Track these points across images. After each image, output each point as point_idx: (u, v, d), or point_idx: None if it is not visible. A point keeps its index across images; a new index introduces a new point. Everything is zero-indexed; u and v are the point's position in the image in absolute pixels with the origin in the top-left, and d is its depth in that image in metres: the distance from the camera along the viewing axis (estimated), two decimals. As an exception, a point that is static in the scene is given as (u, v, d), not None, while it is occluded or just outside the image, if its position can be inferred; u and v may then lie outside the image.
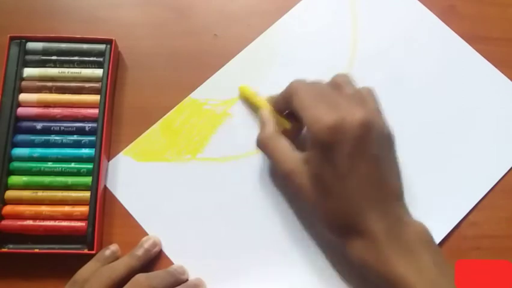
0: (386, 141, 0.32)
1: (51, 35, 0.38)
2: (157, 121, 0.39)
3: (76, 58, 0.38)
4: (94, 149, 0.36)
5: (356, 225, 0.30)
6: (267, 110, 0.36)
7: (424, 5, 0.42)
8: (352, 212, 0.30)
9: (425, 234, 0.31)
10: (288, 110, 0.36)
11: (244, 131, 0.39)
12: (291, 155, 0.33)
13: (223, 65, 0.40)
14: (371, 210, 0.30)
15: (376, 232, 0.29)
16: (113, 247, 0.35)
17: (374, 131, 0.30)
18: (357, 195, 0.30)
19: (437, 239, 0.36)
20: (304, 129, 0.37)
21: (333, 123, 0.29)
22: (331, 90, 0.33)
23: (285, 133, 0.35)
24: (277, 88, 0.39)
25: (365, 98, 0.32)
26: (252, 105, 0.39)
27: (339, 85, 0.33)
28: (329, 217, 0.31)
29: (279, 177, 0.37)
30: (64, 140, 0.37)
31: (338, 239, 0.32)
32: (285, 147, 0.34)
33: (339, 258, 0.35)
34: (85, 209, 0.35)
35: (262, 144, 0.35)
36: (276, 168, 0.34)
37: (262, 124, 0.36)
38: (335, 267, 0.35)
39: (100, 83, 0.37)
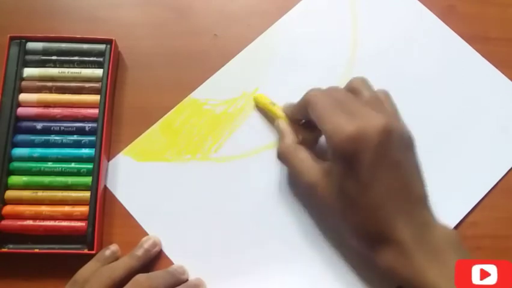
0: (407, 145, 0.31)
1: (51, 35, 0.38)
2: (157, 121, 0.39)
3: (76, 58, 0.38)
4: (94, 149, 0.36)
5: (383, 234, 0.30)
6: (284, 121, 0.36)
7: (424, 5, 0.42)
8: (379, 222, 0.30)
9: (452, 237, 0.30)
10: (305, 119, 0.35)
11: (244, 131, 0.39)
12: (313, 166, 0.33)
13: (223, 65, 0.40)
14: (397, 217, 0.29)
15: (404, 239, 0.29)
16: (113, 247, 0.35)
17: (394, 137, 0.30)
18: (383, 204, 0.29)
19: (437, 239, 0.36)
20: (323, 138, 0.36)
21: (352, 133, 0.29)
22: (348, 96, 0.32)
23: (304, 142, 0.35)
24: (277, 88, 0.40)
25: (383, 102, 0.32)
26: (268, 115, 0.38)
27: (355, 90, 0.33)
28: (356, 228, 0.31)
29: (302, 188, 0.36)
30: (63, 140, 0.37)
31: (365, 249, 0.31)
32: (306, 159, 0.33)
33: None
34: (85, 209, 0.35)
35: (283, 156, 0.35)
36: (299, 180, 0.34)
37: (281, 135, 0.35)
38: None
39: (100, 83, 0.37)
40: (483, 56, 0.41)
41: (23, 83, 0.37)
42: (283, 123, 0.36)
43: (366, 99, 0.32)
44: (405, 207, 0.30)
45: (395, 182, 0.30)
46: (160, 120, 0.39)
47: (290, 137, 0.35)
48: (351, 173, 0.30)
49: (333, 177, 0.31)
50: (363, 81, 0.33)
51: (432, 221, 0.31)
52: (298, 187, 0.37)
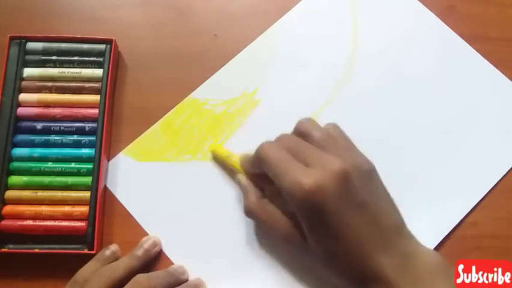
0: (368, 179, 0.30)
1: (51, 35, 0.38)
2: (157, 121, 0.39)
3: (76, 58, 0.38)
4: (94, 149, 0.36)
5: (368, 273, 0.29)
6: (243, 176, 0.35)
7: (424, 5, 0.42)
8: (360, 263, 0.29)
9: (436, 263, 0.30)
10: (263, 172, 0.33)
11: (244, 131, 0.39)
12: (283, 219, 0.32)
13: (223, 65, 0.40)
14: (377, 254, 0.29)
15: (389, 275, 0.28)
16: (113, 247, 0.35)
17: (354, 177, 0.29)
18: (360, 246, 0.29)
19: (437, 239, 0.36)
20: None
21: (311, 187, 0.28)
22: (299, 142, 0.31)
23: (269, 195, 0.34)
24: (277, 88, 0.40)
25: (335, 138, 0.32)
26: (226, 166, 0.37)
27: (305, 133, 0.32)
28: (339, 273, 0.30)
29: (278, 241, 0.35)
30: (63, 140, 0.37)
31: None
32: (274, 213, 0.33)
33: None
34: (85, 209, 0.35)
35: (252, 214, 0.34)
36: (273, 234, 0.33)
37: (245, 192, 0.35)
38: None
39: (100, 83, 0.37)
40: (483, 56, 0.41)
41: (23, 83, 0.37)
42: (244, 179, 0.35)
43: (317, 140, 0.31)
44: (384, 242, 0.29)
45: (365, 222, 0.29)
46: (160, 120, 0.39)
47: (253, 193, 0.34)
48: (319, 225, 0.29)
49: (304, 229, 0.30)
50: (310, 122, 0.33)
51: (413, 249, 0.30)
52: (270, 237, 0.36)
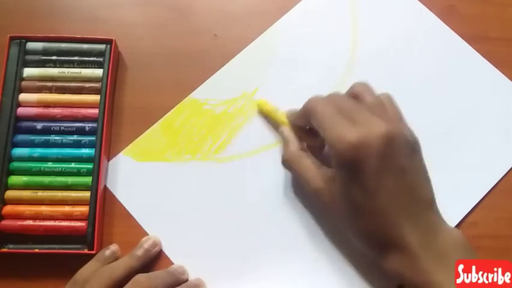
0: (411, 149, 0.31)
1: (51, 35, 0.38)
2: (157, 121, 0.39)
3: (76, 58, 0.38)
4: (94, 149, 0.36)
5: (390, 239, 0.30)
6: (287, 127, 0.36)
7: (424, 5, 0.42)
8: (385, 228, 0.30)
9: (459, 240, 0.30)
10: (308, 126, 0.35)
11: (245, 131, 0.39)
12: (318, 173, 0.33)
13: (223, 65, 0.40)
14: (404, 223, 0.29)
15: (411, 244, 0.29)
16: (113, 247, 0.35)
17: (397, 142, 0.30)
18: (389, 210, 0.29)
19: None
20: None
21: (355, 141, 0.29)
22: (349, 102, 0.32)
23: (309, 149, 0.35)
24: (277, 88, 0.40)
25: (386, 107, 0.32)
26: (271, 120, 0.38)
27: (358, 95, 0.33)
28: (362, 233, 0.31)
29: (307, 194, 0.35)
30: (64, 140, 0.37)
31: (372, 253, 0.31)
32: (311, 165, 0.33)
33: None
34: (85, 209, 0.35)
35: (288, 164, 0.35)
36: (304, 186, 0.34)
37: (285, 142, 0.35)
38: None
39: (100, 83, 0.37)
40: (483, 56, 0.41)
41: (23, 83, 0.37)
42: (287, 130, 0.36)
43: (368, 104, 0.32)
44: (412, 212, 0.30)
45: (400, 187, 0.30)
46: (160, 120, 0.39)
47: (294, 143, 0.35)
48: (356, 181, 0.30)
49: (338, 185, 0.31)
50: (365, 86, 0.33)
51: (439, 225, 0.31)
52: (302, 190, 0.37)
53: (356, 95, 0.33)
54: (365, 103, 0.32)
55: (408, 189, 0.30)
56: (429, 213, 0.31)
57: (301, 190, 0.37)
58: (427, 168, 0.32)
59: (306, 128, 0.36)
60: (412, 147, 0.31)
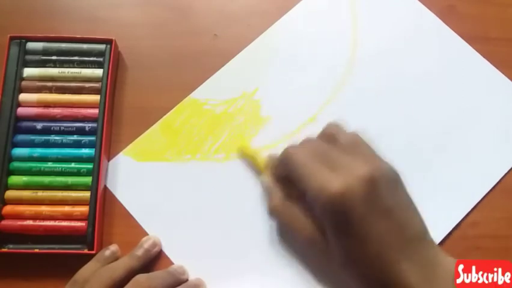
0: (394, 186, 0.30)
1: (51, 35, 0.38)
2: (157, 121, 0.39)
3: (76, 58, 0.38)
4: (94, 149, 0.36)
5: (390, 280, 0.29)
6: (268, 177, 0.35)
7: (424, 5, 0.42)
8: (383, 270, 0.29)
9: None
10: (287, 175, 0.34)
11: (246, 131, 0.39)
12: (306, 223, 0.32)
13: (223, 65, 0.40)
14: (400, 261, 0.29)
15: (412, 282, 0.28)
16: (113, 247, 0.35)
17: (380, 182, 0.29)
18: (383, 252, 0.29)
19: (438, 239, 0.36)
20: None
21: (338, 191, 0.28)
22: (325, 146, 0.32)
23: (293, 197, 0.34)
24: (277, 88, 0.40)
25: (360, 145, 0.32)
26: (252, 166, 0.38)
27: (332, 137, 0.32)
28: (361, 279, 0.30)
29: (298, 243, 0.35)
30: (64, 140, 0.37)
31: None
32: (297, 215, 0.32)
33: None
34: (85, 209, 0.35)
35: (274, 215, 0.34)
36: (294, 236, 0.33)
37: (269, 193, 0.35)
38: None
39: (100, 83, 0.37)
40: (483, 56, 0.41)
41: (23, 83, 0.37)
42: (268, 180, 0.35)
43: (343, 145, 0.31)
44: (406, 249, 0.29)
45: (390, 228, 0.29)
46: (160, 120, 0.39)
47: (277, 194, 0.34)
48: (344, 230, 0.29)
49: (329, 232, 0.30)
50: (338, 127, 0.33)
51: (436, 257, 0.30)
52: (291, 240, 0.36)
53: (329, 137, 0.32)
54: (339, 144, 0.31)
55: (399, 228, 0.29)
56: (425, 246, 0.30)
57: (291, 241, 0.36)
58: (412, 199, 0.31)
59: (286, 176, 0.34)
60: (395, 184, 0.30)
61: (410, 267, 0.29)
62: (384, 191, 0.29)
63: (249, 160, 0.38)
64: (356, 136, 0.32)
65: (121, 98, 0.39)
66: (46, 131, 0.37)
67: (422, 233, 0.30)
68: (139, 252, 0.35)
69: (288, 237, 0.36)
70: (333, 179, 0.29)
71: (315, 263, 0.35)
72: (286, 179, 0.33)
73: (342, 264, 0.30)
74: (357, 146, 0.31)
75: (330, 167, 0.30)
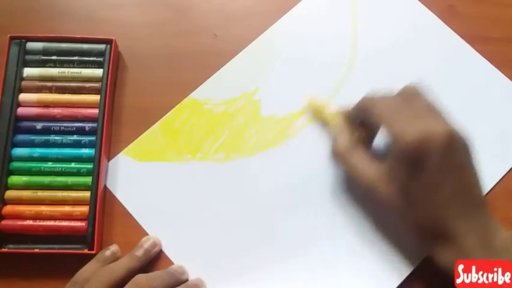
0: (468, 151, 0.32)
1: (51, 35, 0.38)
2: (157, 121, 0.39)
3: (76, 58, 0.38)
4: (94, 149, 0.36)
5: (446, 233, 0.30)
6: (339, 120, 0.36)
7: (424, 5, 0.42)
8: (441, 222, 0.30)
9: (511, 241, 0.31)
10: (362, 119, 0.35)
11: (246, 131, 0.39)
12: (371, 166, 0.33)
13: (223, 65, 0.40)
14: (460, 219, 0.30)
15: (466, 241, 0.30)
16: (113, 247, 0.35)
17: (458, 142, 0.31)
18: (446, 206, 0.30)
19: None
20: (377, 137, 0.36)
21: (419, 137, 0.29)
22: (403, 103, 0.32)
23: (360, 142, 0.35)
24: (276, 88, 0.40)
25: (437, 110, 0.32)
26: (321, 119, 0.38)
27: (410, 98, 0.33)
28: (418, 226, 0.31)
29: (359, 187, 0.35)
30: (64, 140, 0.37)
31: (425, 247, 0.32)
32: (363, 158, 0.33)
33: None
34: (85, 209, 0.35)
35: (338, 157, 0.35)
36: (356, 179, 0.34)
37: (337, 135, 0.35)
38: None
39: (100, 83, 0.37)
40: (483, 56, 0.41)
41: (23, 83, 0.37)
42: (339, 122, 0.36)
43: (423, 105, 0.32)
44: (467, 210, 0.30)
45: (460, 184, 0.30)
46: (160, 120, 0.39)
47: (345, 136, 0.35)
48: (415, 175, 0.30)
49: (395, 178, 0.31)
50: (416, 89, 0.33)
51: (493, 224, 0.31)
52: (352, 184, 0.37)
53: (408, 97, 0.33)
54: (417, 106, 0.32)
55: (465, 188, 0.31)
56: (484, 212, 0.31)
57: (350, 184, 0.37)
58: (480, 170, 0.32)
59: (357, 122, 0.36)
60: (468, 149, 0.32)
61: (468, 230, 0.30)
62: (460, 151, 0.31)
63: (316, 111, 0.38)
64: (433, 102, 0.33)
65: (121, 98, 0.39)
66: (46, 131, 0.37)
67: (484, 201, 0.32)
68: (139, 252, 0.35)
69: (348, 184, 0.37)
70: (415, 127, 0.30)
71: (372, 211, 0.36)
72: (358, 123, 0.35)
73: (401, 209, 0.31)
74: (434, 109, 0.32)
75: (412, 117, 0.31)
